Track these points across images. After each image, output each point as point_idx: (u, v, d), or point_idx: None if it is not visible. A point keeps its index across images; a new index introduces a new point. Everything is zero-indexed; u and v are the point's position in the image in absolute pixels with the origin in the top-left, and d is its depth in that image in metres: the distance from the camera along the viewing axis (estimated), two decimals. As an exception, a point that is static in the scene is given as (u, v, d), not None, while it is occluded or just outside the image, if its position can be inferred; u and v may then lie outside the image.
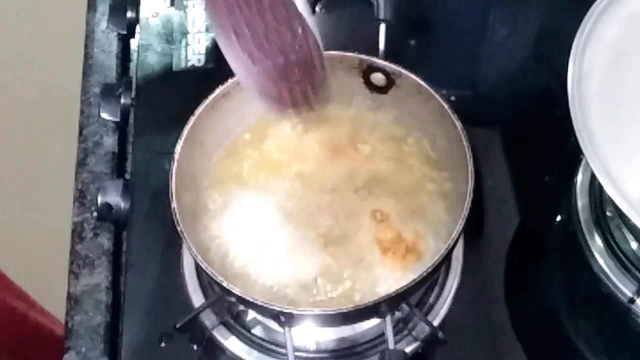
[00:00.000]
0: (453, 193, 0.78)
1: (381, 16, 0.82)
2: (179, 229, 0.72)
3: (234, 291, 0.70)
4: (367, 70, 0.81)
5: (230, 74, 0.79)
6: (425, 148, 0.81)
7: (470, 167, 0.74)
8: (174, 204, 0.73)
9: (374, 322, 0.78)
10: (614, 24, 0.75)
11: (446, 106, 0.77)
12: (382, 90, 0.82)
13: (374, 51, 0.82)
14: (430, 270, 0.70)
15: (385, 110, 0.83)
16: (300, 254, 0.76)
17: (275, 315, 0.72)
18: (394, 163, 0.81)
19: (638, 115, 0.72)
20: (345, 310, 0.69)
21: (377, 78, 0.81)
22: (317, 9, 1.00)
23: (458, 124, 0.76)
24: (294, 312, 0.70)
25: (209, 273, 0.71)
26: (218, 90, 0.79)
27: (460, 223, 0.71)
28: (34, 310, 1.07)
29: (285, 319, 0.71)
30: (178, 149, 0.76)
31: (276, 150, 0.82)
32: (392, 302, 0.70)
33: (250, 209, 0.79)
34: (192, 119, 0.77)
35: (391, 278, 0.75)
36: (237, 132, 0.82)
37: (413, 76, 0.79)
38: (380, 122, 0.83)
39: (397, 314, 0.77)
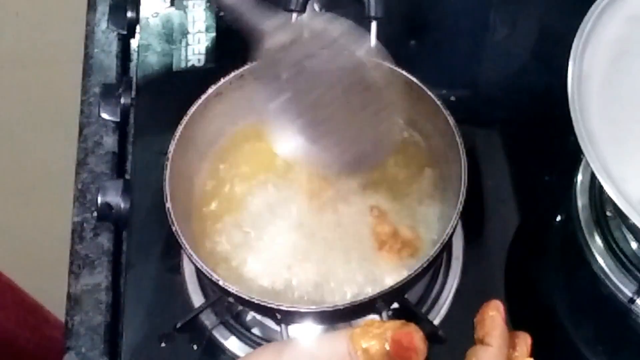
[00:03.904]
0: (448, 190, 0.78)
1: (372, 14, 0.82)
2: (173, 228, 0.72)
3: (230, 290, 0.70)
4: None
5: (224, 74, 0.79)
6: (419, 145, 0.82)
7: (464, 163, 0.74)
8: (168, 204, 0.73)
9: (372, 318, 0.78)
10: (614, 24, 0.75)
11: (439, 103, 0.77)
12: None
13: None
14: (425, 265, 0.70)
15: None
16: (297, 251, 0.76)
17: (272, 313, 0.72)
18: (389, 160, 0.81)
19: (638, 115, 0.72)
20: (341, 307, 0.69)
21: None
22: (316, 8, 1.00)
23: (451, 120, 0.76)
24: (290, 309, 0.70)
25: (205, 272, 0.71)
26: (210, 91, 0.79)
27: (455, 218, 0.72)
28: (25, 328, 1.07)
29: (282, 316, 0.71)
30: (171, 149, 0.76)
31: (271, 149, 0.82)
32: (388, 297, 0.71)
33: (245, 207, 0.79)
34: (185, 120, 0.77)
35: (387, 273, 0.75)
36: (231, 131, 0.82)
37: (405, 73, 0.79)
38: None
39: (398, 314, 0.77)
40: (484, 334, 0.58)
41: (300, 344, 0.60)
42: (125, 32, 1.01)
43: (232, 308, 0.81)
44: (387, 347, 0.57)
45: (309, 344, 0.60)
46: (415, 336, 0.57)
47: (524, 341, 0.60)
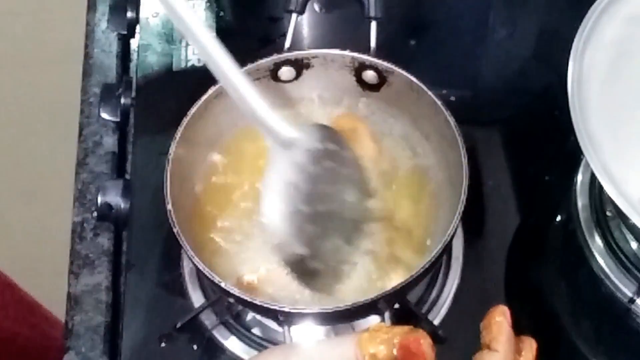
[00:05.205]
0: (448, 190, 0.78)
1: (372, 14, 0.83)
2: (175, 230, 0.72)
3: (232, 292, 0.70)
4: (359, 68, 0.81)
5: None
6: (419, 145, 0.82)
7: (465, 163, 0.74)
8: (169, 206, 0.73)
9: (374, 319, 0.78)
10: (614, 24, 0.75)
11: (439, 102, 0.77)
12: (374, 88, 0.82)
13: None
14: (427, 266, 0.70)
15: (378, 108, 0.83)
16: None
17: (274, 315, 0.72)
18: (389, 161, 0.81)
19: (638, 115, 0.72)
20: (343, 308, 0.69)
21: (369, 76, 0.82)
22: (316, 8, 1.01)
23: (451, 120, 0.76)
24: (292, 310, 0.70)
25: (207, 274, 0.71)
26: (210, 91, 0.79)
27: (456, 218, 0.71)
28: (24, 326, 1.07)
29: (284, 317, 0.71)
30: (172, 150, 0.76)
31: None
32: (389, 298, 0.71)
33: (246, 207, 0.79)
34: (185, 120, 0.77)
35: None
36: (231, 132, 0.82)
37: (405, 73, 0.79)
38: (373, 120, 0.83)
39: (398, 314, 0.77)
40: (491, 339, 0.58)
41: (307, 347, 0.60)
42: (125, 32, 1.01)
43: (232, 308, 0.81)
44: (395, 352, 0.57)
45: (315, 347, 0.60)
46: (423, 342, 0.57)
47: (530, 346, 0.60)
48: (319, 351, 0.59)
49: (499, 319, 0.59)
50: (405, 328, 0.58)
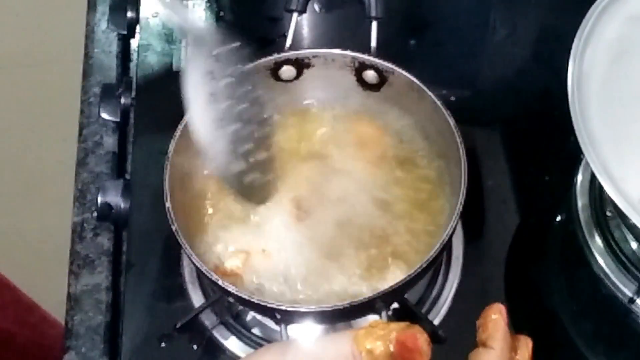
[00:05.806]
0: (449, 190, 0.78)
1: (372, 14, 0.83)
2: (173, 228, 0.72)
3: (229, 289, 0.70)
4: (359, 68, 0.82)
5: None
6: (419, 145, 0.82)
7: (464, 163, 0.74)
8: (168, 204, 0.73)
9: (372, 318, 0.78)
10: (614, 23, 0.75)
11: (439, 103, 0.77)
12: (374, 87, 0.82)
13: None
14: (425, 265, 0.70)
15: (378, 108, 0.83)
16: (297, 250, 0.76)
17: (272, 313, 0.72)
18: (389, 161, 0.81)
19: (638, 115, 0.72)
20: (341, 307, 0.69)
21: (369, 76, 0.82)
22: (316, 8, 1.01)
23: (451, 120, 0.76)
24: (290, 309, 0.70)
25: (205, 272, 0.71)
26: None
27: (455, 218, 0.72)
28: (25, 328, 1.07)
29: (281, 316, 0.71)
30: (171, 149, 0.76)
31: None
32: (387, 298, 0.71)
33: (245, 207, 0.79)
34: (185, 119, 0.77)
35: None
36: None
37: (405, 73, 0.79)
38: (373, 120, 0.83)
39: (398, 314, 0.77)
40: (487, 336, 0.58)
41: (304, 344, 0.60)
42: (125, 32, 1.01)
43: (232, 308, 0.81)
44: (392, 349, 0.57)
45: (312, 344, 0.60)
46: (419, 338, 0.57)
47: (526, 345, 0.60)
48: (315, 348, 0.59)
49: (495, 317, 0.59)
50: (402, 324, 0.58)
